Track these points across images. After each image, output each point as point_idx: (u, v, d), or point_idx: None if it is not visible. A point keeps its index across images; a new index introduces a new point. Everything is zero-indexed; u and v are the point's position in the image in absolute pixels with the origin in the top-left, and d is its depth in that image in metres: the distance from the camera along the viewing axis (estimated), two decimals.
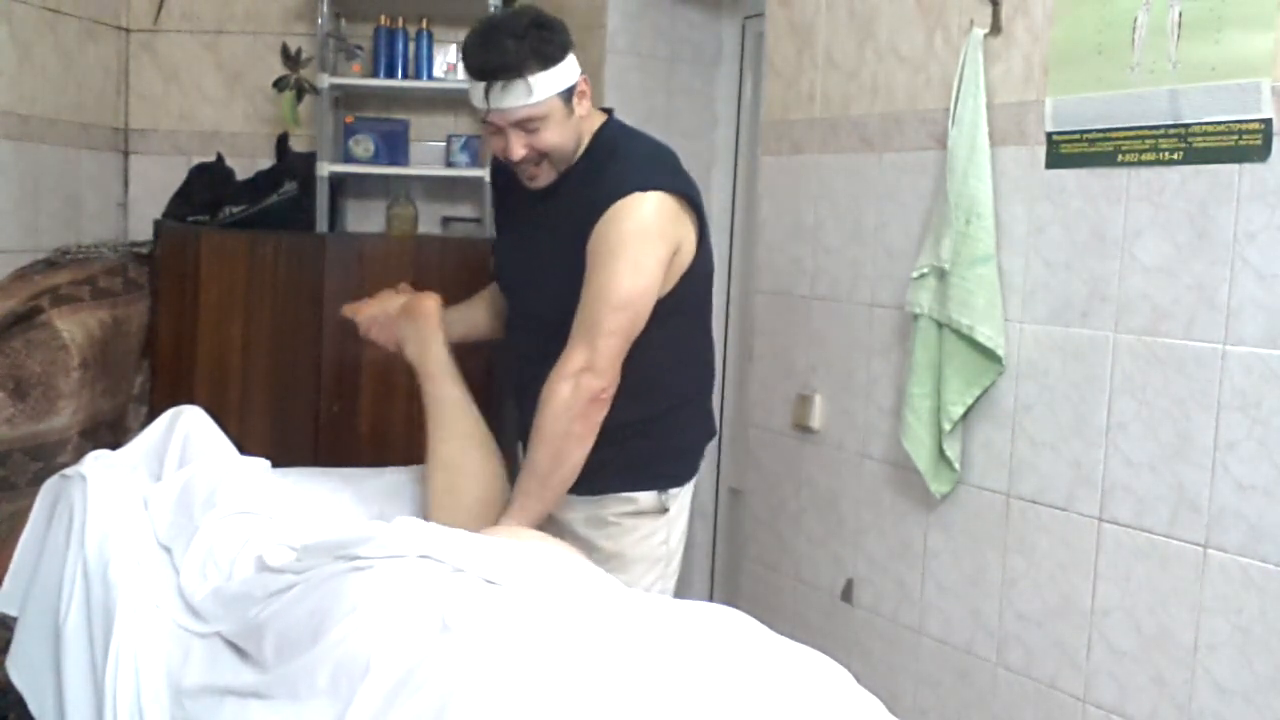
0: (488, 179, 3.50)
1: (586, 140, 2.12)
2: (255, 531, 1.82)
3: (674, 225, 2.06)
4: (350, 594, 1.46)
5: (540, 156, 2.07)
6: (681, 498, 2.24)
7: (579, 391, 1.99)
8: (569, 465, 2.04)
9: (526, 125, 2.02)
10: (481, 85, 2.00)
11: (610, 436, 2.07)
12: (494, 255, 2.37)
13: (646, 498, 2.18)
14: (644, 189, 2.02)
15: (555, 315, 2.06)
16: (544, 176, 2.11)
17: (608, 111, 2.21)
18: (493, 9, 3.46)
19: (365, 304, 2.49)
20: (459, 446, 2.23)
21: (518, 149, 2.04)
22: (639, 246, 2.01)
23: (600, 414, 2.03)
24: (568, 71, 2.04)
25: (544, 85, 2.00)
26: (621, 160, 2.09)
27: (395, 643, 1.35)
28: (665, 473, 2.21)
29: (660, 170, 2.09)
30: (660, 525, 2.20)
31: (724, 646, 1.39)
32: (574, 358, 2.00)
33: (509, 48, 1.98)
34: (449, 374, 2.31)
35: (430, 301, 2.37)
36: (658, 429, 2.18)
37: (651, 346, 2.07)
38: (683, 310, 2.14)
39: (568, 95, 2.05)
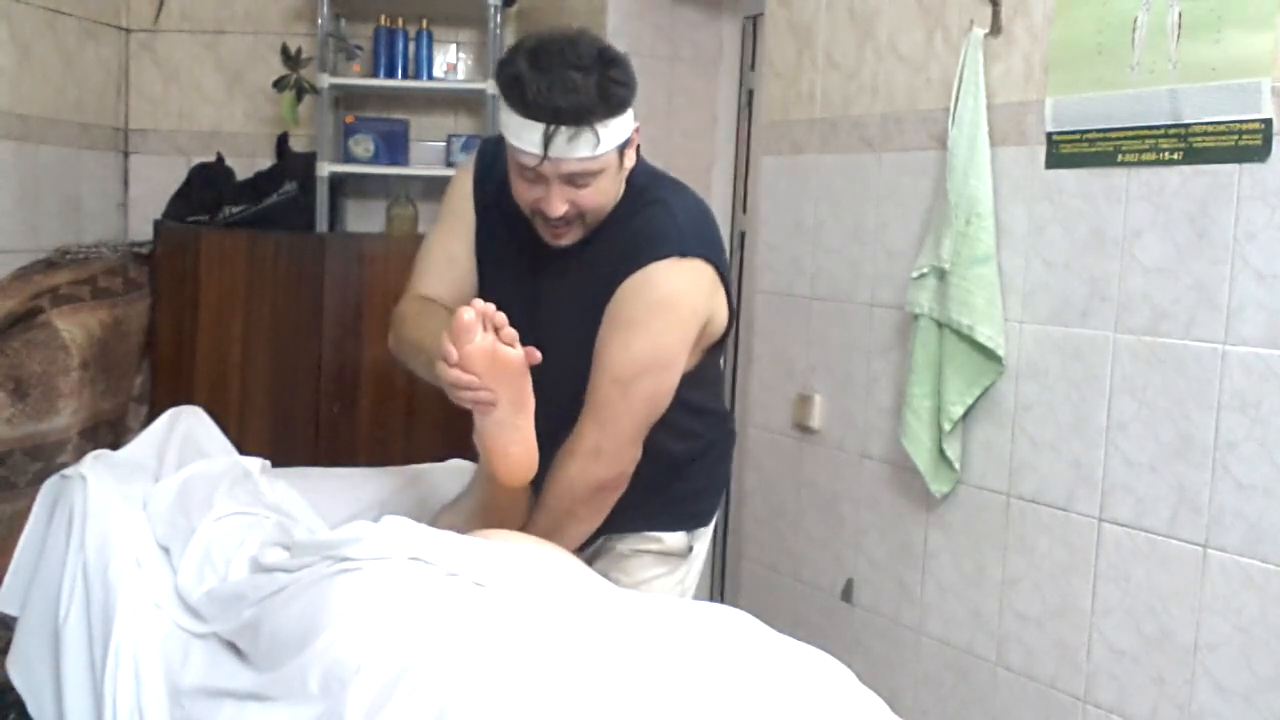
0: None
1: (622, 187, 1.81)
2: (252, 532, 1.81)
3: (709, 300, 1.81)
4: (340, 597, 1.45)
5: (579, 214, 1.75)
6: (705, 536, 2.07)
7: (586, 477, 1.77)
8: (568, 539, 1.80)
9: (577, 180, 1.70)
10: (540, 129, 1.64)
11: (638, 481, 1.85)
12: (479, 289, 1.91)
13: (674, 539, 1.98)
14: (683, 255, 1.75)
15: (567, 389, 1.77)
16: (571, 236, 1.78)
17: (639, 157, 1.88)
18: (492, 8, 3.46)
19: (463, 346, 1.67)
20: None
21: (559, 205, 1.72)
22: (665, 321, 1.76)
23: (610, 499, 1.82)
24: (630, 120, 1.73)
25: (611, 136, 1.68)
26: (661, 216, 1.79)
27: (385, 646, 1.35)
28: (695, 511, 2.03)
29: (702, 235, 1.81)
30: (681, 566, 2.02)
31: (723, 646, 1.38)
32: (584, 438, 1.76)
33: (579, 86, 1.64)
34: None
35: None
36: (692, 470, 1.99)
37: (671, 408, 1.85)
38: (709, 354, 1.92)
39: (624, 146, 1.74)
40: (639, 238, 1.76)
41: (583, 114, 1.64)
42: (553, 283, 1.85)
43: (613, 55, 1.71)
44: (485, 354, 1.62)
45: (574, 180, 1.71)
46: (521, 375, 1.66)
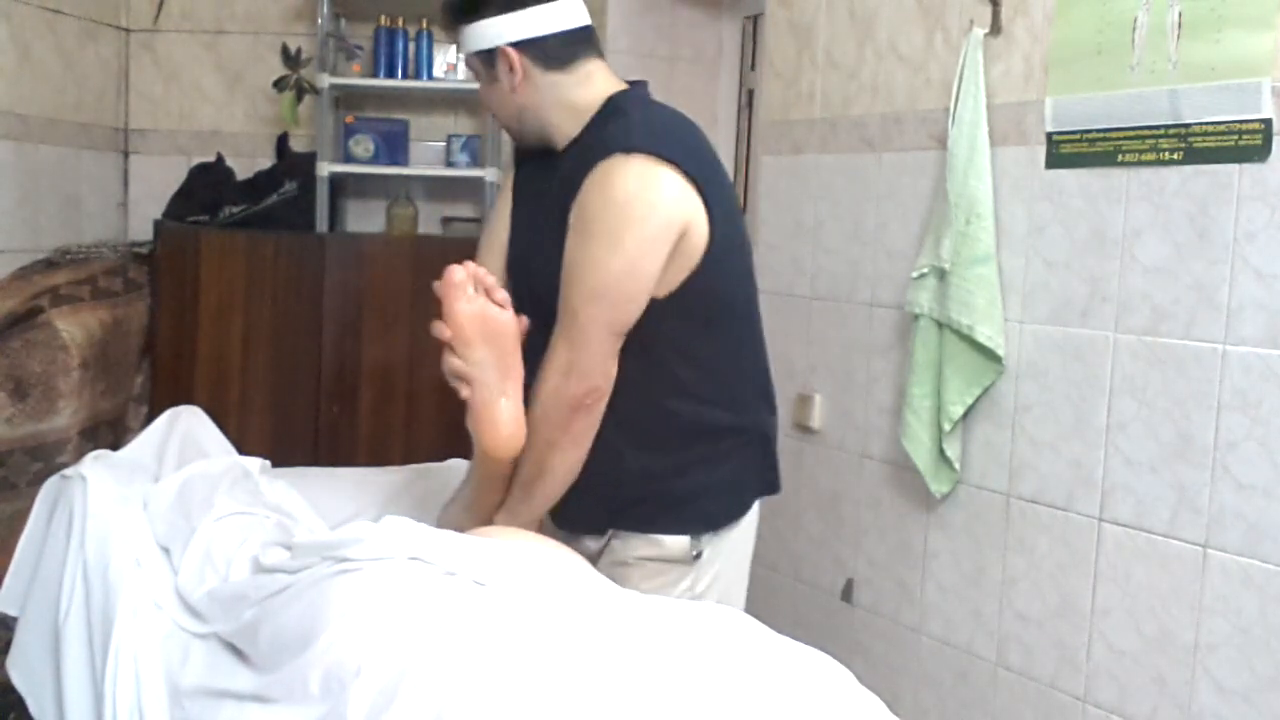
0: (488, 179, 3.55)
1: (585, 112, 1.81)
2: (253, 532, 1.81)
3: (672, 201, 1.69)
4: (340, 597, 1.45)
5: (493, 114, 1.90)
6: (720, 542, 1.87)
7: (559, 397, 1.70)
8: (552, 476, 1.76)
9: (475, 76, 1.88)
10: None
11: (631, 477, 1.80)
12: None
13: (675, 543, 1.83)
14: (629, 151, 1.68)
15: (545, 299, 1.76)
16: (519, 136, 1.90)
17: (636, 84, 1.89)
18: None
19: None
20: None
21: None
22: (618, 219, 1.67)
23: (588, 420, 1.73)
24: (482, 33, 1.79)
25: (463, 39, 1.83)
26: (617, 124, 1.76)
27: (386, 647, 1.35)
28: (701, 514, 1.85)
29: (657, 135, 1.74)
30: (688, 575, 1.85)
31: (723, 646, 1.38)
32: (557, 354, 1.71)
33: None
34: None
35: (504, 443, 1.75)
36: (688, 461, 1.83)
37: (664, 364, 1.78)
38: (706, 314, 1.78)
39: (486, 60, 1.81)
40: (594, 148, 1.73)
41: (445, 16, 1.86)
42: (536, 198, 1.89)
43: None
44: (476, 316, 1.67)
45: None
46: (512, 340, 1.70)
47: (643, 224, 1.68)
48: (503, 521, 1.81)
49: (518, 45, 1.80)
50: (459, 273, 1.65)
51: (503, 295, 1.69)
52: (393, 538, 1.54)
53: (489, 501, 1.84)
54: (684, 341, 1.78)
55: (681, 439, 1.82)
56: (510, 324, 1.70)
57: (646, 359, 1.76)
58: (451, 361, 1.69)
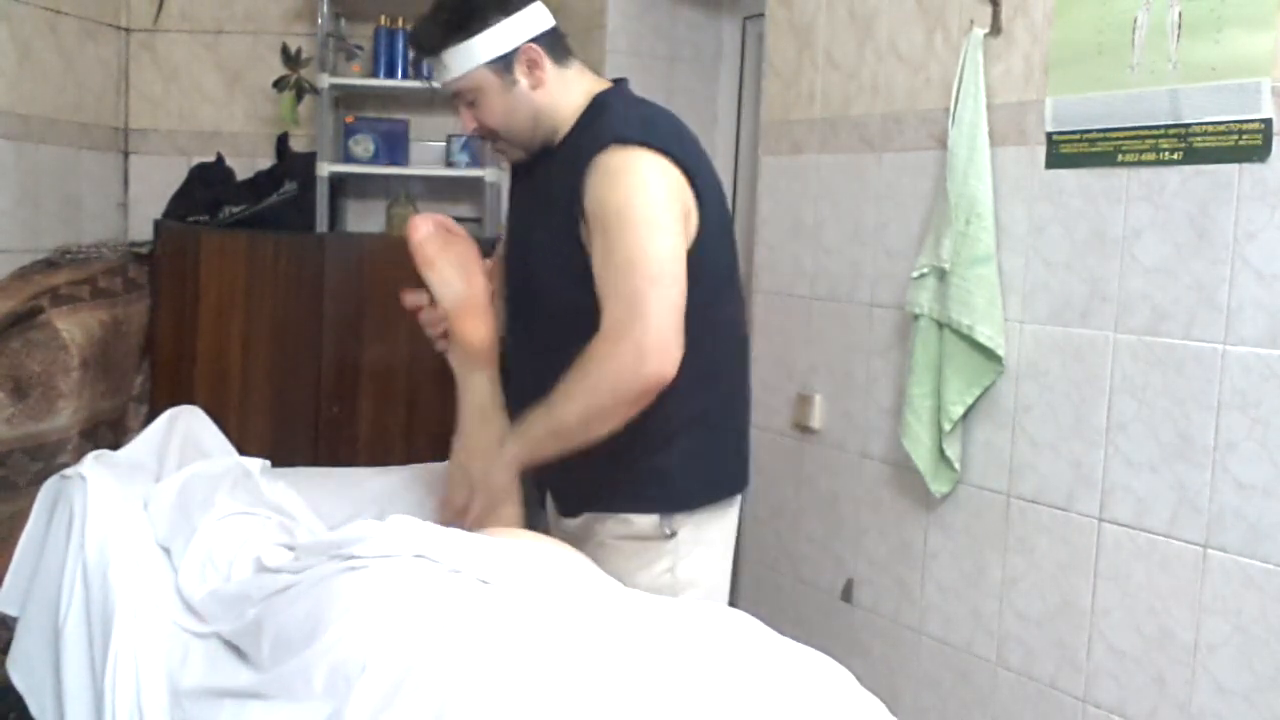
0: (488, 179, 3.54)
1: (578, 110, 1.89)
2: (254, 532, 1.81)
3: (677, 190, 1.78)
4: (345, 594, 1.45)
5: (491, 133, 1.91)
6: (694, 526, 1.92)
7: (633, 379, 1.73)
8: (590, 436, 1.78)
9: (467, 99, 1.88)
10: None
11: (602, 459, 1.82)
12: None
13: (644, 521, 1.90)
14: (625, 142, 1.77)
15: (544, 295, 1.87)
16: (512, 152, 1.95)
17: (619, 82, 1.98)
18: None
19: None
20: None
21: (468, 123, 1.92)
22: (648, 204, 1.74)
23: (647, 402, 1.76)
24: (496, 40, 1.83)
25: (461, 59, 1.83)
26: (605, 118, 1.84)
27: (391, 644, 1.35)
28: (670, 493, 1.91)
29: (648, 127, 1.82)
30: (664, 552, 1.91)
31: (725, 647, 1.38)
32: (625, 340, 1.72)
33: (423, 23, 1.89)
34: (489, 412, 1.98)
35: (482, 330, 1.98)
36: (660, 444, 1.88)
37: None
38: (690, 299, 1.80)
39: (503, 65, 1.84)
40: (586, 144, 1.81)
41: (425, 45, 1.88)
42: (531, 198, 1.97)
43: None
44: (431, 234, 2.01)
45: (466, 100, 1.89)
46: (468, 248, 2.02)
47: (669, 206, 1.76)
48: (517, 444, 1.87)
49: (536, 40, 1.87)
50: (422, 220, 2.00)
51: (456, 226, 2.02)
52: (398, 536, 1.55)
53: (488, 436, 1.94)
54: None
55: (652, 422, 1.82)
56: (463, 232, 2.03)
57: None
58: (429, 314, 2.00)
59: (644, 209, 1.74)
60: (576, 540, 1.92)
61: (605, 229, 1.75)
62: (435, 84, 1.91)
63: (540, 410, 1.82)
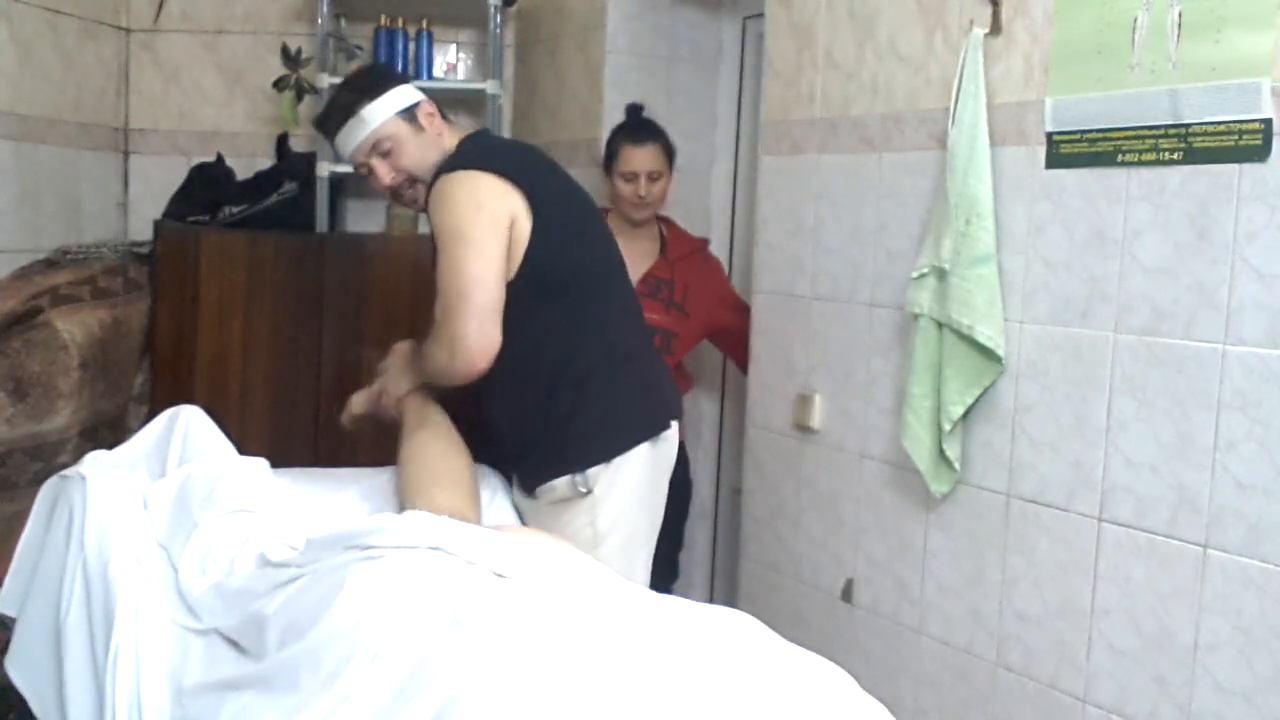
0: None
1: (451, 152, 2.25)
2: (255, 529, 1.82)
3: (493, 197, 2.11)
4: (360, 582, 1.46)
5: (408, 178, 2.26)
6: (607, 478, 2.20)
7: (448, 372, 2.16)
8: (442, 380, 2.25)
9: (381, 149, 2.23)
10: (336, 141, 2.28)
11: (522, 431, 2.22)
12: None
13: (562, 483, 2.19)
14: (448, 171, 2.14)
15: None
16: (421, 196, 2.27)
17: (478, 131, 2.41)
18: (492, 8, 3.47)
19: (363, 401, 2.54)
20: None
21: (386, 175, 2.25)
22: (462, 221, 2.09)
23: (467, 379, 2.15)
24: (400, 96, 2.25)
25: (377, 111, 2.22)
26: (449, 158, 2.21)
27: (405, 633, 1.35)
28: (577, 454, 2.19)
29: (478, 154, 2.19)
30: (583, 509, 2.20)
31: (730, 649, 1.39)
32: (440, 339, 2.13)
33: (334, 99, 2.31)
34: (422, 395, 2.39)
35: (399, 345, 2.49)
36: (560, 412, 2.19)
37: (524, 337, 2.13)
38: (546, 291, 2.16)
39: (410, 114, 2.25)
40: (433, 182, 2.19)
41: (339, 110, 2.26)
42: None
43: (361, 71, 2.51)
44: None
45: (379, 150, 2.24)
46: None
47: (476, 217, 2.09)
48: (406, 371, 2.40)
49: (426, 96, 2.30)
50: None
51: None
52: (415, 528, 1.56)
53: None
54: (530, 314, 2.14)
55: (544, 396, 2.19)
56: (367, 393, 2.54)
57: (507, 337, 2.11)
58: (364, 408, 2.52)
59: (456, 228, 2.09)
60: (529, 514, 2.27)
61: (435, 246, 2.15)
62: (347, 154, 2.27)
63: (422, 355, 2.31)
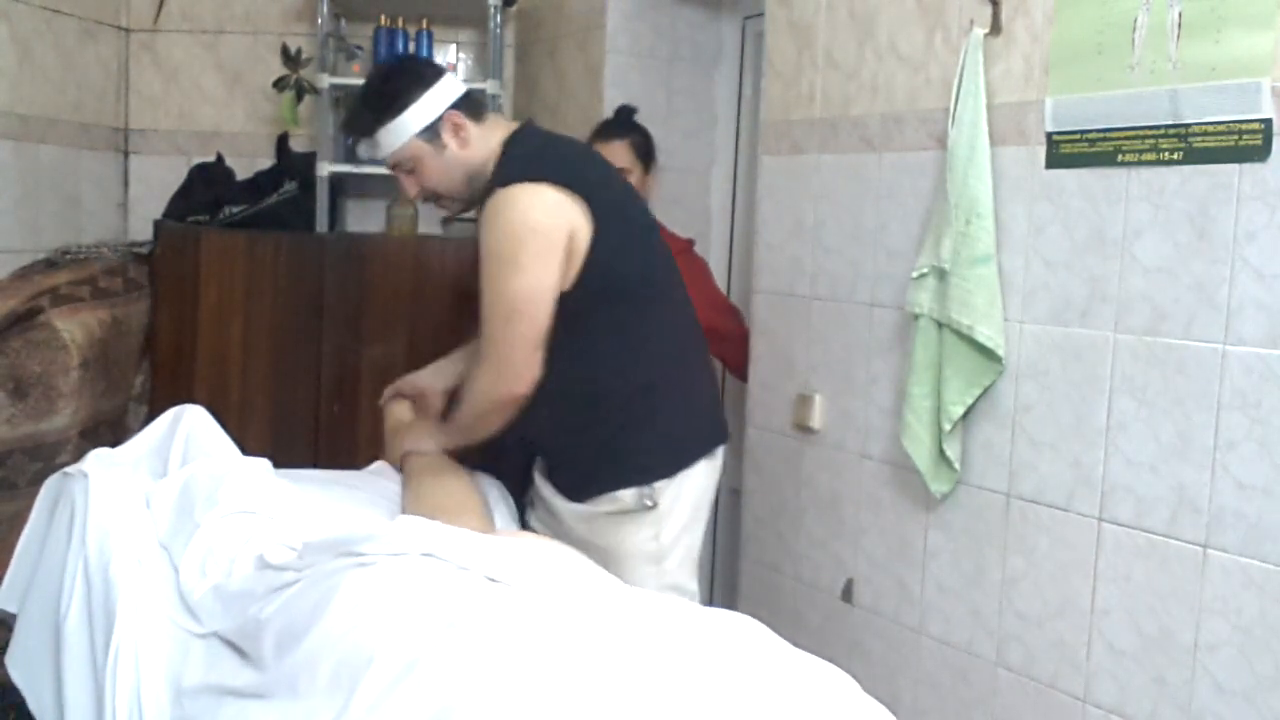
0: None
1: (494, 157, 2.14)
2: (256, 531, 1.81)
3: (551, 213, 2.02)
4: (353, 589, 1.46)
5: (433, 193, 2.19)
6: (671, 492, 2.19)
7: (491, 395, 2.10)
8: (484, 432, 2.19)
9: (404, 168, 2.17)
10: (359, 149, 2.22)
11: (577, 439, 2.16)
12: None
13: (628, 495, 2.17)
14: (507, 183, 2.03)
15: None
16: (452, 207, 2.24)
17: (525, 124, 2.24)
18: (492, 8, 3.47)
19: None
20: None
21: (411, 189, 2.19)
22: (513, 244, 2.01)
23: (507, 415, 2.12)
24: (420, 114, 2.11)
25: (393, 136, 2.11)
26: (498, 166, 2.11)
27: (398, 638, 1.35)
28: (642, 466, 2.17)
29: (534, 161, 2.09)
30: (647, 521, 2.18)
31: (729, 653, 1.38)
32: (486, 365, 2.10)
33: (353, 111, 2.19)
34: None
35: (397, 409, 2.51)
36: (622, 422, 2.16)
37: (585, 344, 2.10)
38: (608, 300, 2.10)
39: (431, 134, 2.12)
40: (487, 194, 2.08)
41: (357, 130, 2.16)
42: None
43: (384, 74, 2.24)
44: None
45: (403, 169, 2.17)
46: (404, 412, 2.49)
47: (531, 241, 2.01)
48: (429, 436, 2.31)
49: (455, 106, 2.13)
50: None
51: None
52: (407, 534, 1.56)
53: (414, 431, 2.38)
54: (592, 323, 2.09)
55: (603, 404, 2.15)
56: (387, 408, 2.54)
57: (564, 345, 2.07)
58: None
59: (505, 250, 2.01)
60: (581, 520, 2.21)
61: (481, 269, 2.07)
62: (375, 156, 2.18)
63: (453, 411, 2.28)
